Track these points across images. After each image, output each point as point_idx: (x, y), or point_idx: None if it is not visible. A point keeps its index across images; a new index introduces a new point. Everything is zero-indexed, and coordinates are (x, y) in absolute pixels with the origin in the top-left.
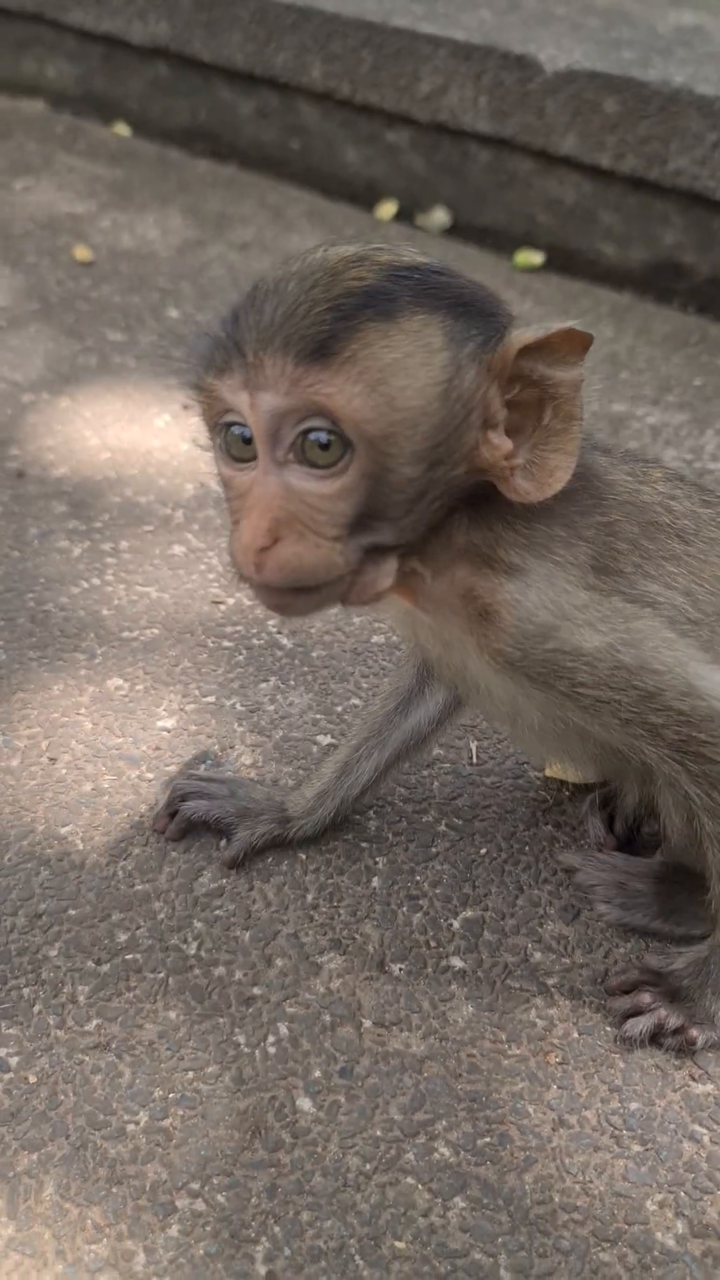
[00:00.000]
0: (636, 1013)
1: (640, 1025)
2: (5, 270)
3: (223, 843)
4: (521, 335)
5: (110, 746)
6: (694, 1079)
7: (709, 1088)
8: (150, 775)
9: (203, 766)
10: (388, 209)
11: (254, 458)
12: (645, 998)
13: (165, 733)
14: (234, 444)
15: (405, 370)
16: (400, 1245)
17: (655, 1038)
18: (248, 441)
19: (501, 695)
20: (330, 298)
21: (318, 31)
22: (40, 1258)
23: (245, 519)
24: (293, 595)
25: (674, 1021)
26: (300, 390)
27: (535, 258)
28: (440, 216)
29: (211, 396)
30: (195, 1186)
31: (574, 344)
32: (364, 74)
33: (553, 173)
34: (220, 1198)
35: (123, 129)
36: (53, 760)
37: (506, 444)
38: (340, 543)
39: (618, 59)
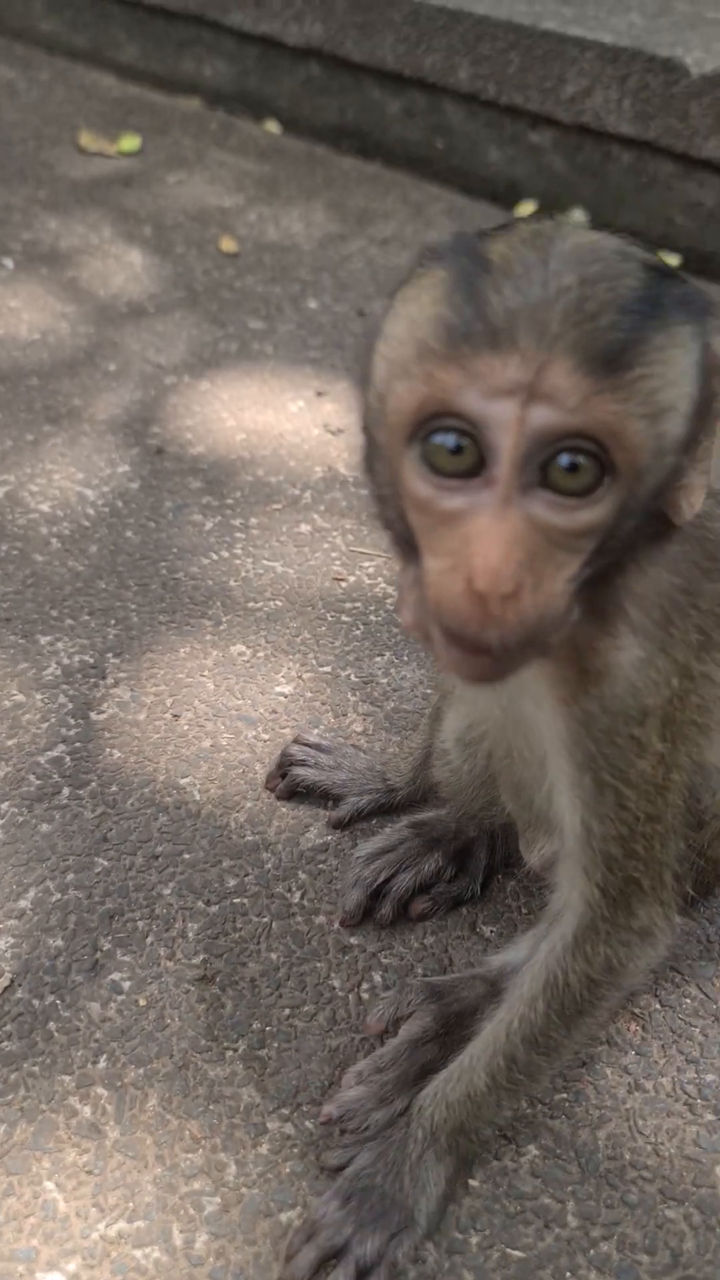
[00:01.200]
0: None
1: None
2: (155, 259)
3: (329, 804)
4: None
5: (230, 707)
6: None
7: None
8: (266, 736)
9: (315, 731)
10: (526, 208)
11: (465, 474)
12: None
13: (283, 698)
14: (438, 455)
15: (678, 393)
16: (473, 1183)
17: None
18: (457, 453)
19: (534, 740)
20: (618, 297)
21: (467, 34)
22: (141, 1159)
23: (479, 558)
24: (511, 656)
25: None
26: (590, 409)
27: (671, 260)
28: (578, 217)
29: (434, 389)
30: (285, 1112)
31: None
32: (511, 75)
33: (693, 176)
34: (309, 1125)
35: (273, 126)
36: (176, 716)
37: (685, 460)
38: (572, 586)
39: None
